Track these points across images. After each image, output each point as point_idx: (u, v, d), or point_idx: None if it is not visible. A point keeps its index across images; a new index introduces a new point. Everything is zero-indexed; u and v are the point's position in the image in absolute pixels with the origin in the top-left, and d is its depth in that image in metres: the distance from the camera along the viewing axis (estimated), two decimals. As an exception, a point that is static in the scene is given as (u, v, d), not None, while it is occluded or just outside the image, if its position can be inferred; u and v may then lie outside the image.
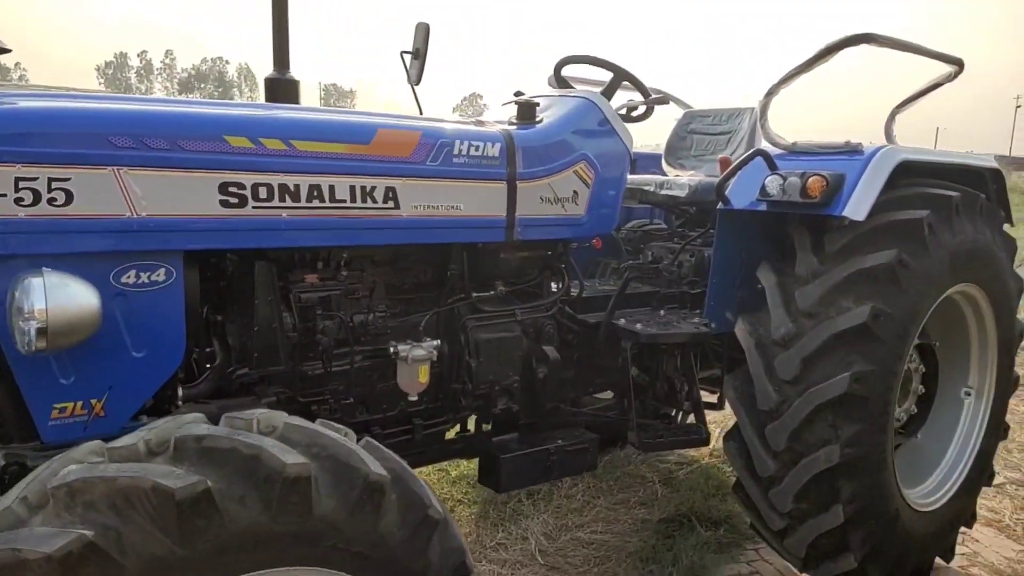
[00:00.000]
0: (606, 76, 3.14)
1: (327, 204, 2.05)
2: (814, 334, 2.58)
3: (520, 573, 3.10)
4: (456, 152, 2.32)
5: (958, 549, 3.34)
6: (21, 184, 1.62)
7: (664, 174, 3.87)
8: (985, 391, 3.33)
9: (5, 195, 1.61)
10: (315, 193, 2.03)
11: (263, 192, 1.94)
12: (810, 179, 2.62)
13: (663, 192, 3.43)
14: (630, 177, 3.16)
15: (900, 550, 2.88)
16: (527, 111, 2.63)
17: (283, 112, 2.13)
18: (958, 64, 3.21)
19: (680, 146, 3.97)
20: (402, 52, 3.17)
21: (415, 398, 2.43)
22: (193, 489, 1.21)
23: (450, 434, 2.80)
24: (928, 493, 3.14)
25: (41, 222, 1.65)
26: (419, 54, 3.13)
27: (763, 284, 2.79)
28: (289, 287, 2.18)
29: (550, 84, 3.76)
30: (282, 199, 1.97)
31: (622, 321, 2.95)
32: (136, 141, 1.75)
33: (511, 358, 2.70)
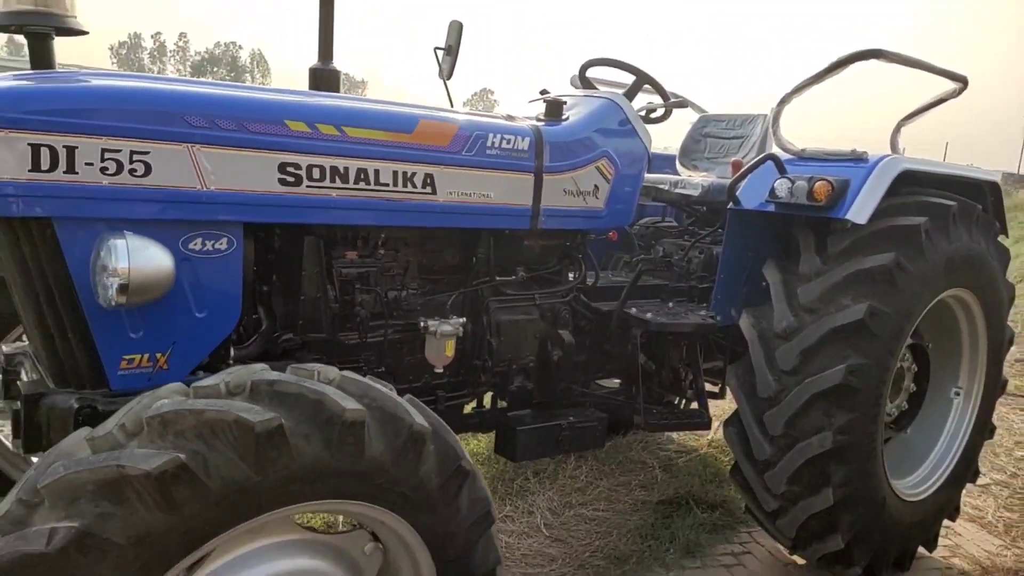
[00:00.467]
0: (627, 78, 3.32)
1: (372, 187, 2.23)
2: (813, 328, 2.76)
3: (526, 543, 3.29)
4: (489, 144, 2.50)
5: (941, 541, 3.52)
6: (106, 155, 1.81)
7: (678, 174, 4.04)
8: (973, 392, 3.51)
9: (92, 164, 1.79)
10: (362, 176, 2.21)
11: (316, 173, 2.12)
12: (817, 184, 2.79)
13: (677, 191, 3.61)
14: (646, 175, 3.35)
15: (885, 535, 3.06)
16: (555, 109, 2.81)
17: (336, 101, 2.31)
18: (963, 81, 3.38)
19: (694, 148, 4.15)
20: (435, 48, 3.36)
21: (440, 370, 2.61)
22: (269, 424, 1.39)
23: (467, 409, 2.99)
24: (915, 485, 3.33)
25: (122, 190, 1.84)
26: (451, 50, 3.31)
27: (768, 280, 2.97)
28: (332, 262, 2.37)
29: (572, 84, 3.95)
30: (333, 180, 2.16)
31: (633, 310, 3.13)
32: (208, 121, 1.93)
33: (529, 339, 2.88)
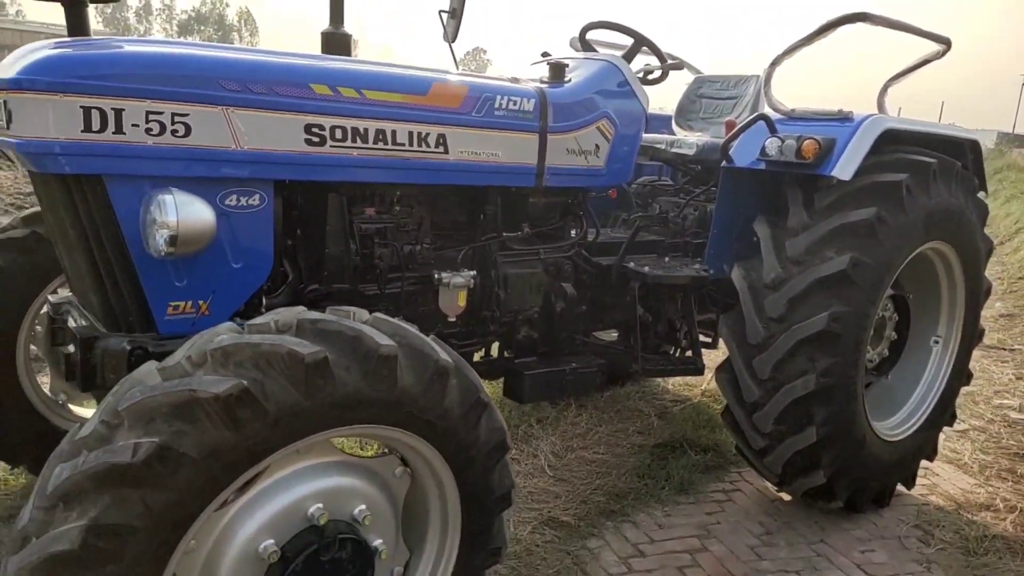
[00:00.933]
0: (625, 41, 3.45)
1: (390, 146, 2.39)
2: (800, 279, 2.96)
3: (531, 482, 3.52)
4: (497, 105, 2.65)
5: (919, 481, 3.77)
6: (150, 117, 1.96)
7: (674, 134, 4.20)
8: (952, 340, 3.73)
9: (138, 125, 1.95)
10: (380, 136, 2.37)
11: (339, 133, 2.28)
12: (805, 142, 2.96)
13: (673, 150, 3.77)
14: (643, 135, 3.50)
15: (865, 472, 3.30)
16: (558, 71, 2.96)
17: (355, 65, 2.45)
18: (946, 43, 3.53)
19: (690, 109, 4.29)
20: (440, 11, 3.49)
21: (453, 319, 2.80)
22: (317, 356, 1.58)
23: (476, 357, 3.18)
24: (895, 426, 3.56)
25: (165, 150, 2.00)
26: (456, 13, 3.44)
27: (758, 235, 3.15)
28: (353, 218, 2.54)
29: (572, 46, 4.08)
30: (354, 140, 2.31)
31: (631, 264, 3.32)
32: (241, 86, 2.09)
33: (533, 291, 3.07)
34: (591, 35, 3.64)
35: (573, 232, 3.23)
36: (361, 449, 3.22)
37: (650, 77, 3.49)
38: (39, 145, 1.87)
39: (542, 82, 2.95)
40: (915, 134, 3.30)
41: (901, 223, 3.04)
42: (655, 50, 3.39)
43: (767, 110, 3.32)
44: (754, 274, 3.11)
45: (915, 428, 3.61)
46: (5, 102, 1.90)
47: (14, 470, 3.24)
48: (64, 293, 3.02)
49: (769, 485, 3.58)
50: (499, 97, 2.65)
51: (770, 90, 3.29)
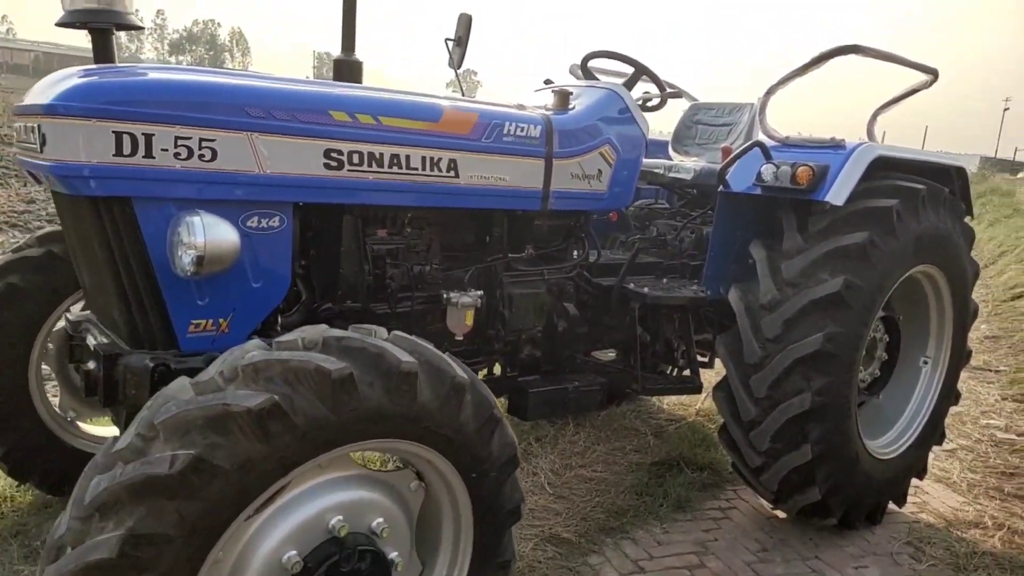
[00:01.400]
0: (625, 69, 3.57)
1: (404, 171, 2.48)
2: (795, 300, 3.05)
3: (532, 500, 3.58)
4: (505, 131, 2.75)
5: (910, 499, 3.85)
6: (179, 142, 2.04)
7: (671, 159, 4.31)
8: (940, 361, 3.83)
9: (167, 149, 2.03)
10: (395, 161, 2.45)
11: (356, 158, 2.36)
12: (799, 168, 3.08)
13: (670, 175, 3.88)
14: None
15: (859, 489, 3.38)
16: (562, 99, 3.06)
17: (371, 92, 2.54)
18: (933, 73, 3.67)
19: (686, 135, 4.42)
20: (446, 39, 3.61)
21: (460, 338, 2.88)
22: (343, 372, 1.65)
23: (480, 376, 3.25)
24: (886, 445, 3.65)
25: (193, 173, 2.07)
26: (461, 41, 3.56)
27: (754, 257, 3.25)
28: (366, 240, 2.62)
29: (572, 74, 4.20)
30: (370, 165, 2.40)
31: (631, 285, 3.41)
32: (265, 112, 2.17)
33: (537, 311, 3.16)
34: (592, 63, 3.76)
35: (575, 254, 3.32)
36: (377, 464, 3.27)
37: (649, 104, 3.60)
38: (72, 168, 1.95)
39: (547, 109, 3.05)
40: (904, 161, 3.42)
41: (892, 247, 3.15)
42: (654, 79, 3.50)
43: (762, 137, 3.44)
44: (751, 295, 3.20)
45: (906, 447, 3.70)
46: (39, 127, 1.98)
47: (20, 487, 3.27)
48: (77, 311, 3.08)
49: (764, 503, 3.66)
50: (507, 124, 2.75)
51: (765, 118, 3.41)
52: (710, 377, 3.97)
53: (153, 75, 2.13)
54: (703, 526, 3.52)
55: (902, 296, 3.57)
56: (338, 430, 1.69)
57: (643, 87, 3.69)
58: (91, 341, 2.34)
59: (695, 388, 3.53)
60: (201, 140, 2.07)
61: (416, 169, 2.51)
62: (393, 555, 1.93)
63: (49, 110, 1.94)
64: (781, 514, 3.64)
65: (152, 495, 1.48)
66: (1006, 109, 64.23)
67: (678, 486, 3.78)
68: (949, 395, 3.88)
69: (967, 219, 3.81)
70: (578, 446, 4.22)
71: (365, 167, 2.40)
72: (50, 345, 3.09)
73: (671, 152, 4.41)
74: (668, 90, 3.53)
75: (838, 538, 3.48)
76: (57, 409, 3.18)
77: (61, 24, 2.35)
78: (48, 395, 3.18)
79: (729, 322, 3.34)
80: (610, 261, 3.58)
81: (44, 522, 3.05)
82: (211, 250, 1.99)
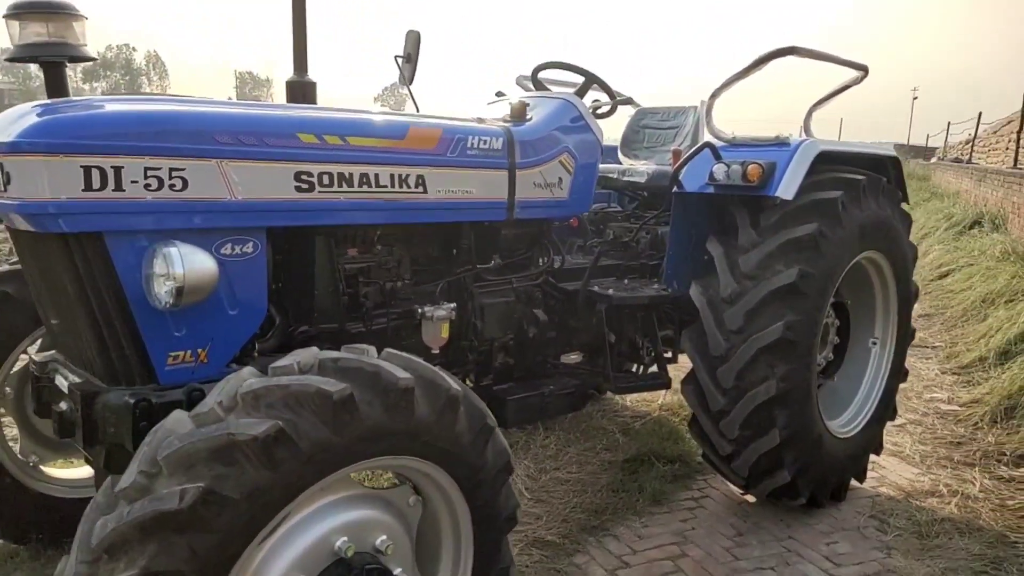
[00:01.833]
0: (570, 78, 3.64)
1: (373, 189, 2.49)
2: (754, 292, 3.17)
3: (511, 506, 3.61)
4: (469, 145, 2.79)
5: (869, 475, 4.03)
6: (149, 173, 2.01)
7: (619, 163, 4.42)
8: (888, 341, 4.03)
9: (136, 181, 2.00)
10: (364, 180, 2.47)
11: (326, 179, 2.37)
12: (749, 167, 3.21)
13: (625, 179, 3.98)
14: None
15: (824, 469, 3.53)
16: (520, 111, 3.12)
17: (336, 114, 2.55)
18: (864, 70, 3.87)
19: (634, 139, 4.54)
20: (396, 56, 3.63)
21: (436, 351, 2.90)
22: (343, 392, 1.66)
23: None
24: (844, 424, 3.81)
25: (164, 204, 2.05)
26: (411, 58, 3.59)
27: (712, 253, 3.36)
28: (337, 260, 2.62)
29: (519, 84, 4.27)
30: (340, 185, 2.41)
31: (596, 288, 3.49)
32: (233, 138, 2.16)
33: (508, 319, 3.20)
34: (542, 74, 3.83)
35: (541, 261, 3.38)
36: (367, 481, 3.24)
37: (599, 112, 3.69)
38: (39, 206, 1.90)
39: (505, 121, 3.11)
40: (844, 154, 3.60)
41: (840, 236, 3.30)
42: (604, 87, 3.60)
43: (709, 138, 3.56)
44: (711, 290, 3.31)
45: (863, 425, 3.87)
46: (1, 165, 1.92)
47: (-18, 539, 3.14)
48: (33, 352, 2.98)
49: (735, 489, 3.78)
50: (470, 137, 2.79)
51: (711, 120, 3.54)
52: (673, 372, 4.08)
53: (115, 107, 2.09)
54: (679, 517, 3.61)
55: (849, 282, 3.74)
56: (341, 451, 1.69)
57: (592, 95, 3.78)
58: (61, 381, 2.28)
59: (664, 384, 3.62)
60: (171, 170, 2.05)
61: (385, 187, 2.53)
62: (398, 572, 1.94)
63: (12, 148, 1.89)
64: (751, 499, 3.76)
65: (163, 531, 1.47)
66: (915, 98, 67.38)
67: (652, 480, 3.87)
68: (898, 373, 4.08)
69: (903, 205, 4.02)
70: (550, 450, 4.27)
71: (335, 188, 2.40)
72: (7, 389, 2.98)
73: (620, 157, 4.52)
74: (619, 98, 3.62)
75: (807, 517, 3.62)
76: (20, 455, 3.06)
77: (12, 59, 2.30)
78: (8, 441, 3.06)
79: (689, 317, 3.45)
80: (572, 266, 3.65)
81: (13, 572, 2.94)
82: (190, 280, 1.97)
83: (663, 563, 3.20)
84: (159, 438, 1.60)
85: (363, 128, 2.50)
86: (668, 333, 3.96)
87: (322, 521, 1.82)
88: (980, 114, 21.27)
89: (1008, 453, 4.31)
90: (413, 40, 3.58)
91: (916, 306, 8.57)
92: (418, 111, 3.49)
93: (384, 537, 1.92)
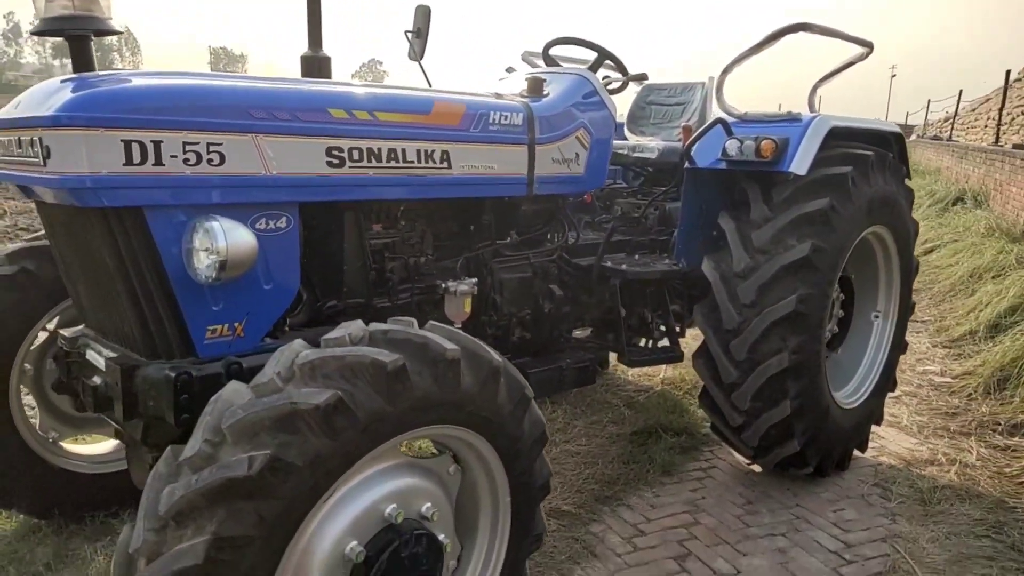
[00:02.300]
0: (579, 54, 3.64)
1: (400, 164, 2.50)
2: (767, 266, 3.23)
3: (525, 478, 3.67)
4: (491, 121, 2.80)
5: (870, 445, 4.14)
6: (187, 147, 2.01)
7: (626, 139, 4.44)
8: (890, 314, 4.12)
9: (176, 156, 2.00)
10: (392, 155, 2.47)
11: (356, 154, 2.37)
12: (763, 142, 3.25)
13: (635, 155, 4.01)
14: None
15: (831, 438, 3.62)
16: (537, 86, 3.13)
17: (365, 89, 2.55)
18: (869, 46, 3.91)
19: (640, 115, 4.56)
20: (406, 31, 3.62)
21: (458, 326, 2.92)
22: (397, 363, 1.70)
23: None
24: (849, 395, 3.90)
25: (202, 178, 2.05)
26: (420, 33, 3.58)
27: (724, 228, 3.41)
28: (365, 234, 2.63)
29: (524, 60, 4.27)
30: (369, 160, 2.41)
31: (609, 263, 3.53)
32: (268, 113, 2.16)
33: (526, 294, 3.23)
34: (553, 51, 3.83)
35: (556, 237, 3.41)
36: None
37: (611, 88, 3.71)
38: (79, 180, 1.89)
39: (523, 96, 3.12)
40: (852, 130, 3.65)
41: (850, 211, 3.37)
42: (617, 63, 3.61)
43: (720, 114, 3.60)
44: (724, 265, 3.37)
45: (866, 396, 3.97)
46: (40, 139, 1.91)
47: (2, 514, 3.15)
48: (52, 327, 2.98)
49: (741, 459, 3.86)
50: (492, 113, 2.80)
51: (723, 96, 3.57)
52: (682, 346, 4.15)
53: (152, 81, 2.08)
54: (689, 487, 3.69)
55: (853, 256, 3.81)
56: (394, 420, 1.73)
57: (601, 72, 3.80)
58: (94, 356, 2.29)
59: (677, 356, 3.68)
60: (209, 144, 2.04)
61: (412, 162, 2.54)
62: (442, 537, 1.99)
63: (53, 122, 1.87)
64: (757, 468, 3.85)
65: (231, 498, 1.50)
66: (893, 76, 67.83)
67: (661, 451, 3.95)
68: (899, 345, 4.18)
69: (906, 180, 4.09)
70: (558, 423, 4.34)
71: (365, 163, 2.41)
72: (27, 366, 2.98)
73: (627, 133, 4.54)
74: (632, 74, 3.64)
75: (813, 486, 3.72)
76: (39, 431, 3.07)
77: (37, 32, 2.27)
78: (29, 417, 3.06)
79: (698, 292, 3.50)
80: (585, 242, 3.69)
81: (37, 547, 2.95)
82: (232, 254, 1.98)
83: (678, 531, 3.28)
84: (219, 408, 1.63)
85: (391, 103, 2.50)
86: (675, 308, 4.02)
87: (371, 489, 1.86)
88: (960, 92, 21.49)
89: (1002, 423, 4.44)
90: (423, 15, 3.57)
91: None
92: (430, 85, 3.48)
93: (429, 504, 1.96)
